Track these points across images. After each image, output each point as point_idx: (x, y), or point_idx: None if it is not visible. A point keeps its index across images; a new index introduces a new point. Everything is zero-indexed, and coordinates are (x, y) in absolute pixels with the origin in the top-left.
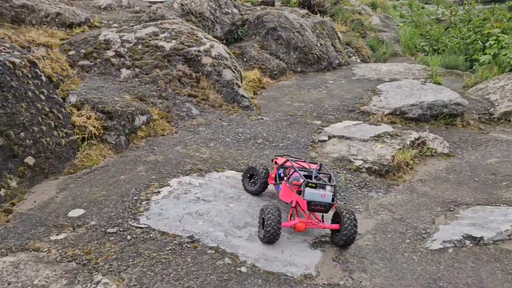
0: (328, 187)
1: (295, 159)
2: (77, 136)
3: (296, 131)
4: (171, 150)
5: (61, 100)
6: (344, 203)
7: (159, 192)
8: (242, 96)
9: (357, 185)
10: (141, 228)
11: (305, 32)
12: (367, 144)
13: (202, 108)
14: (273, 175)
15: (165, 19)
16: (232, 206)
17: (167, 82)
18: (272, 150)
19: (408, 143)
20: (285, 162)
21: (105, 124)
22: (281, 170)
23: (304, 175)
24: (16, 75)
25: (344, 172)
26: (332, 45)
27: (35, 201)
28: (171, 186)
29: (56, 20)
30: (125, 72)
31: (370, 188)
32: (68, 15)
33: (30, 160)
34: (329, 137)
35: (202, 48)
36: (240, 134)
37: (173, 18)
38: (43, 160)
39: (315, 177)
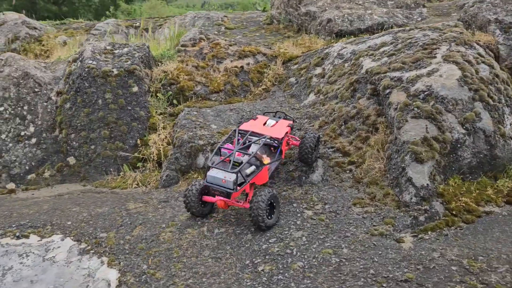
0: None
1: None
2: (133, 154)
3: None
4: (175, 209)
5: (143, 114)
6: None
7: None
8: (409, 181)
9: None
10: None
11: None
12: None
13: (329, 177)
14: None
15: (477, 20)
16: None
17: (327, 122)
18: None
19: None
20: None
21: (168, 152)
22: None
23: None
24: (97, 82)
25: None
26: None
27: (33, 194)
28: None
29: (326, 27)
30: (310, 98)
31: None
32: (341, 21)
33: (71, 160)
34: None
35: (409, 74)
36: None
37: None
38: (82, 164)
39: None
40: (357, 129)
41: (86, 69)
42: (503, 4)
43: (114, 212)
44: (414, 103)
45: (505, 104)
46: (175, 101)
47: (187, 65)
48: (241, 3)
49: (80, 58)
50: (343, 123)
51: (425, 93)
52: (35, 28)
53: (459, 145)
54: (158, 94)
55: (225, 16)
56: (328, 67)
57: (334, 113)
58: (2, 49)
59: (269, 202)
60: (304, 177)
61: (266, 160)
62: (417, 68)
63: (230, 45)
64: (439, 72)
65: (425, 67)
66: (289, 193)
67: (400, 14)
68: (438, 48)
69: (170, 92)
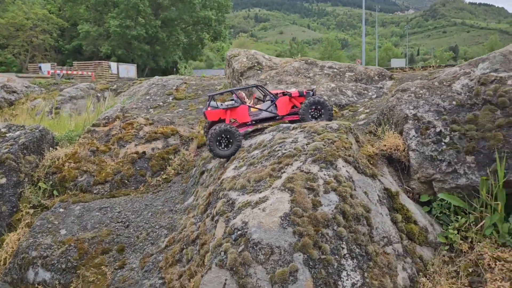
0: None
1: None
2: None
3: None
4: None
5: (5, 209)
6: None
7: None
8: None
9: None
10: None
11: None
12: None
13: None
14: None
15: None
16: None
17: (174, 240)
18: None
19: None
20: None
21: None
22: None
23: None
24: None
25: None
26: None
27: None
28: None
29: None
30: (189, 201)
31: None
32: None
33: None
34: None
35: (243, 198)
36: None
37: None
38: None
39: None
40: (192, 258)
41: None
42: (430, 95)
43: None
44: (224, 244)
45: (347, 256)
46: (55, 192)
47: (84, 149)
48: (327, 39)
49: None
50: (184, 246)
51: (239, 232)
52: (14, 92)
53: None
54: (40, 184)
55: (184, 83)
56: (215, 163)
57: (184, 230)
58: None
59: (221, 134)
60: None
61: (249, 102)
62: (254, 191)
63: (146, 125)
64: (266, 202)
65: (261, 192)
66: None
67: (350, 90)
68: (291, 164)
69: (51, 182)
